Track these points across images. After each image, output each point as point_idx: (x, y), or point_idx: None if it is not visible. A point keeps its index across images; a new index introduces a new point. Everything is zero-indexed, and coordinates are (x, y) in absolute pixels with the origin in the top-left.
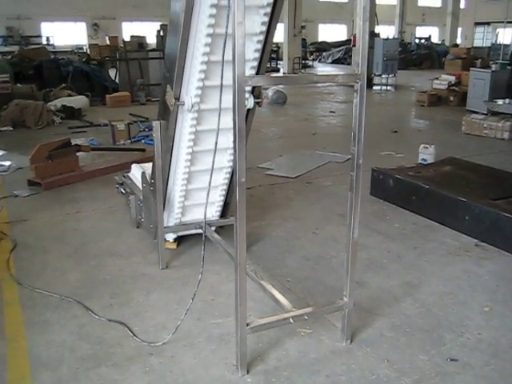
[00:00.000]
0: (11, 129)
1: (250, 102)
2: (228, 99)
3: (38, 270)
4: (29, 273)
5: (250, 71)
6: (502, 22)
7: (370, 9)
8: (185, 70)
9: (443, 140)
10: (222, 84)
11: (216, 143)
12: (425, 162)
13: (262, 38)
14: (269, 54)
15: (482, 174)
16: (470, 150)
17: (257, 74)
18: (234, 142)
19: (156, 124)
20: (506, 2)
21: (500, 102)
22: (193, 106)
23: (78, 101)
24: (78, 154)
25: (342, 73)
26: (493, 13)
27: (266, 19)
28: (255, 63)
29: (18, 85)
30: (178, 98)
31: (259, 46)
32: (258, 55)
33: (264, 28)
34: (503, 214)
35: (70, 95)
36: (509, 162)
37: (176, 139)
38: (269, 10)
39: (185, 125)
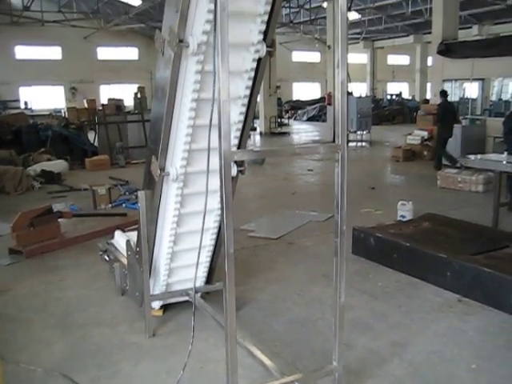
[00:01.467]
0: None
1: (233, 171)
2: (213, 161)
3: (22, 343)
4: (12, 346)
5: (235, 133)
6: (468, 80)
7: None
8: (170, 138)
9: (420, 195)
10: (209, 148)
11: (205, 205)
12: (404, 219)
13: (245, 101)
14: (252, 116)
15: (461, 228)
16: (446, 204)
17: (241, 136)
18: (222, 214)
19: (141, 194)
20: (471, 61)
21: (472, 157)
22: (178, 176)
23: (58, 165)
24: (59, 220)
25: (322, 144)
26: (459, 71)
27: (250, 83)
28: (240, 125)
29: None
30: (163, 169)
31: (243, 109)
32: (242, 118)
33: (248, 92)
34: (483, 269)
35: (49, 159)
36: (485, 215)
37: (161, 207)
38: (252, 74)
39: (170, 193)
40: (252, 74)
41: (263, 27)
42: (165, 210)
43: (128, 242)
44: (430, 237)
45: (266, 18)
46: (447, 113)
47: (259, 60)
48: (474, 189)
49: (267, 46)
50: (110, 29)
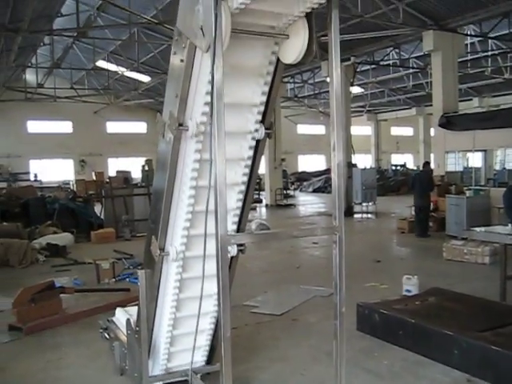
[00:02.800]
0: None
1: (233, 250)
2: (213, 246)
3: None
4: None
5: (232, 219)
6: (471, 151)
7: (346, 143)
8: (170, 218)
9: (426, 267)
10: (205, 234)
11: (201, 290)
12: (409, 294)
13: (243, 187)
14: (252, 198)
15: (467, 303)
16: (452, 277)
17: (240, 217)
18: (218, 299)
19: (141, 273)
20: (472, 132)
21: (477, 229)
22: (177, 255)
23: (63, 238)
24: (61, 295)
25: (320, 227)
26: (461, 142)
27: (247, 170)
28: (238, 211)
29: (4, 223)
30: (162, 249)
31: (241, 196)
32: (240, 204)
33: (245, 178)
34: (492, 348)
35: (55, 232)
36: (492, 289)
37: (161, 287)
38: (249, 162)
39: (170, 273)
40: (249, 162)
41: (259, 117)
42: (165, 291)
43: (128, 320)
44: (436, 313)
45: (262, 108)
46: (416, 182)
47: (258, 141)
48: (480, 260)
49: (265, 128)
50: (119, 104)
